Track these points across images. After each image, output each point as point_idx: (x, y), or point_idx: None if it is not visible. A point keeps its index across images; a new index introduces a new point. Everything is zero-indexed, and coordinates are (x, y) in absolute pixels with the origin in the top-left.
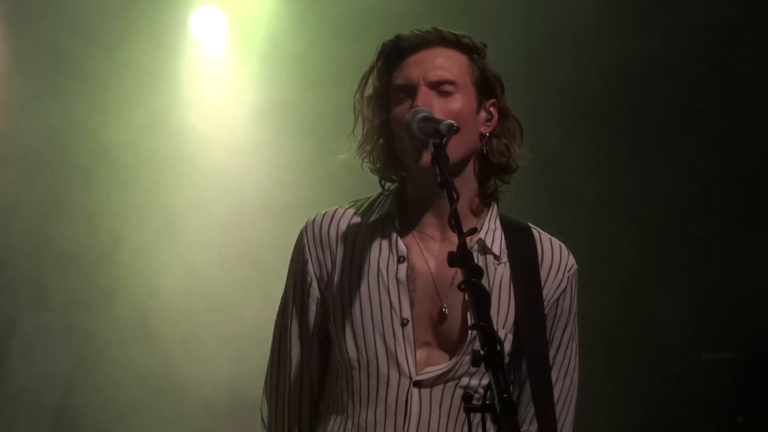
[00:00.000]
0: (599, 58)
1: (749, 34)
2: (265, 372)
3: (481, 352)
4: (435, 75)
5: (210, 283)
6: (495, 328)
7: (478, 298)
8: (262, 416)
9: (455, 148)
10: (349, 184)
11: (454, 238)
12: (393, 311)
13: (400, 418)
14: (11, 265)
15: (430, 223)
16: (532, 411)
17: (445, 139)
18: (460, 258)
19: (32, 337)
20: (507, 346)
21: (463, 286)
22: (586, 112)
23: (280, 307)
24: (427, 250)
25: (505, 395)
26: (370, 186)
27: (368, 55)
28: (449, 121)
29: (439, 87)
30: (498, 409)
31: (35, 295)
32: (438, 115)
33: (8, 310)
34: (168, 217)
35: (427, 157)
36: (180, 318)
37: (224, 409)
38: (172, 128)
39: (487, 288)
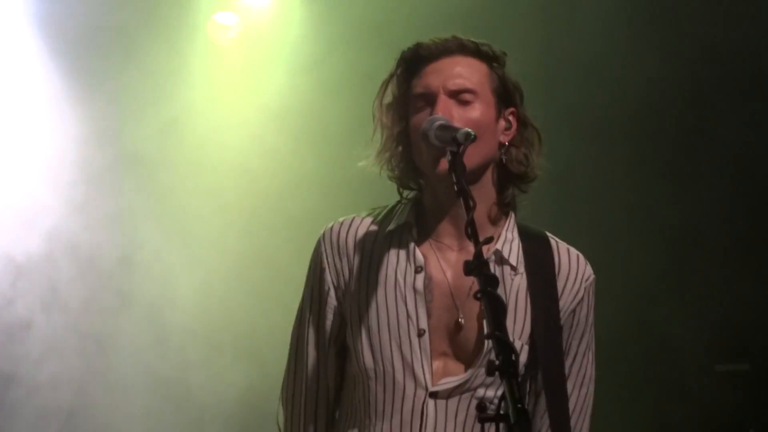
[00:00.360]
0: (612, 82)
1: (757, 58)
2: (281, 380)
3: (496, 362)
4: (454, 83)
5: (227, 290)
6: (511, 338)
7: (494, 308)
8: (278, 424)
9: (473, 157)
10: (367, 191)
11: (472, 248)
12: (410, 321)
13: (416, 429)
14: (31, 268)
15: (447, 233)
16: (548, 422)
17: (462, 148)
18: (476, 267)
19: (48, 339)
20: (523, 356)
21: (478, 295)
22: (601, 130)
23: (297, 314)
24: (445, 259)
25: (519, 405)
26: (388, 194)
27: (386, 61)
28: (466, 129)
29: (458, 95)
30: (512, 419)
31: (52, 298)
32: (457, 124)
33: (25, 311)
34: (185, 223)
35: (443, 165)
36: (196, 325)
37: (239, 418)
38: (189, 134)
39: (504, 298)
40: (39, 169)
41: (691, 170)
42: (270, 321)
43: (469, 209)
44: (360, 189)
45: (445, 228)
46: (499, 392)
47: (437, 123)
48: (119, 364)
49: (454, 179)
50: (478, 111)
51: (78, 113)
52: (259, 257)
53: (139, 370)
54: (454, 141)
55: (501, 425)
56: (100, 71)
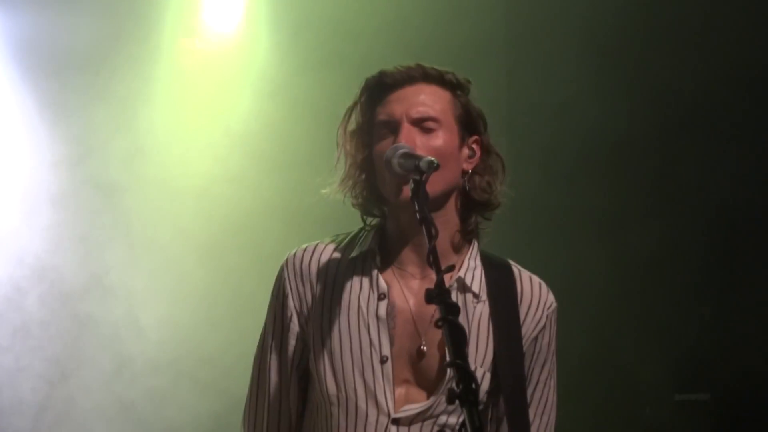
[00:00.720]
0: (581, 122)
1: (716, 100)
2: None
3: (457, 390)
4: (418, 112)
5: (191, 316)
6: (473, 366)
7: (454, 336)
8: None
9: (436, 184)
10: (334, 217)
11: (434, 276)
12: (373, 348)
13: None
14: None
15: (410, 260)
16: None
17: (425, 176)
18: (437, 295)
19: (9, 363)
20: (485, 384)
21: (439, 324)
22: (570, 167)
23: (259, 340)
24: (407, 287)
25: None
26: (354, 221)
27: (351, 88)
28: (430, 157)
29: (421, 123)
30: None
31: (17, 322)
32: (420, 152)
33: None
34: (151, 248)
35: (406, 192)
36: (161, 352)
37: None
38: (155, 159)
39: (466, 326)
40: (4, 192)
41: (655, 206)
42: (236, 349)
43: (431, 238)
44: (327, 215)
45: (408, 256)
46: (461, 419)
47: (401, 151)
48: (81, 390)
49: (417, 207)
50: (441, 139)
51: (45, 137)
52: (224, 283)
53: (102, 397)
54: (417, 169)
55: None
56: (67, 96)
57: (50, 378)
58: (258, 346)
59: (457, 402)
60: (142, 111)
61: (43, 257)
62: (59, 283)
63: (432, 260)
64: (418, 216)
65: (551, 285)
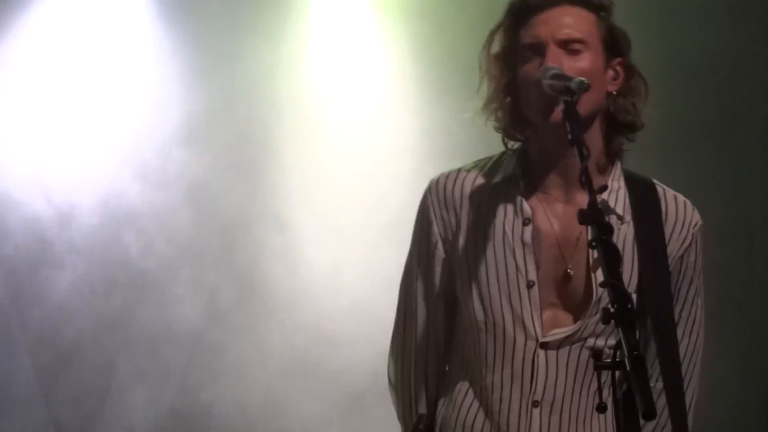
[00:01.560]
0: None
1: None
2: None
3: (612, 310)
4: (564, 34)
5: (361, 259)
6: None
7: (609, 256)
8: (389, 378)
9: (584, 106)
10: (484, 142)
11: (579, 199)
12: (519, 273)
13: (527, 380)
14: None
15: (554, 184)
16: (658, 369)
17: (576, 96)
18: (591, 215)
19: (164, 295)
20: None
21: (593, 244)
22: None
23: (405, 268)
24: (551, 211)
25: (635, 353)
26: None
27: (497, 7)
28: (580, 78)
29: (567, 45)
30: (628, 366)
31: (175, 252)
32: (567, 74)
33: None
34: (325, 183)
35: (557, 114)
36: (331, 293)
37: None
38: (305, 99)
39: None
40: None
41: None
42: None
43: (584, 158)
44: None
45: (553, 179)
46: (611, 341)
47: (551, 72)
48: (242, 324)
49: (569, 128)
50: (587, 60)
51: (199, 84)
52: (393, 217)
53: (261, 335)
54: (568, 90)
55: (616, 373)
56: (222, 46)
57: (207, 307)
58: (404, 274)
59: (605, 325)
60: (289, 54)
61: (205, 182)
62: (220, 212)
63: (585, 180)
64: (570, 137)
65: (709, 206)
